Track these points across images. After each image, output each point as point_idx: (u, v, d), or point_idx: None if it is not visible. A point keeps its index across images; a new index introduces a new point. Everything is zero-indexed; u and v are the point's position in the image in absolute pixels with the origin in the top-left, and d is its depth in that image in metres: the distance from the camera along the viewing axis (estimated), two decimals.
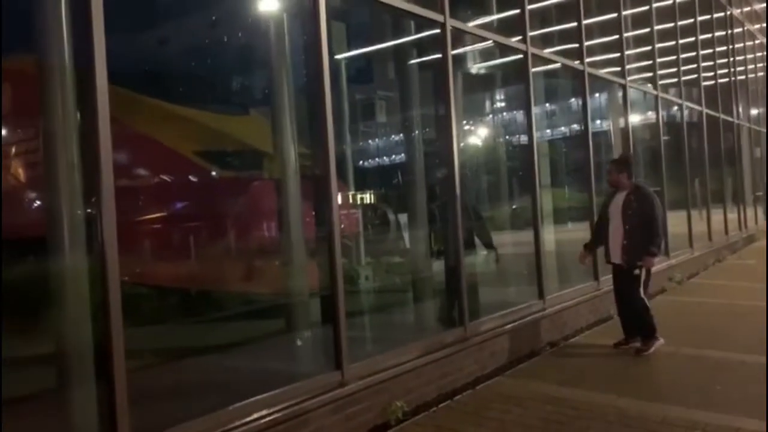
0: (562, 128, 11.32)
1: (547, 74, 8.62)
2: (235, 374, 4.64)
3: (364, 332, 5.93)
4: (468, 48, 7.84)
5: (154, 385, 4.28)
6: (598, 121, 11.06)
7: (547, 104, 10.66)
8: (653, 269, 6.19)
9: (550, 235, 8.83)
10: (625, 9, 10.06)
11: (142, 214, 7.45)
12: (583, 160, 8.40)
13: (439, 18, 5.51)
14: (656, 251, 5.93)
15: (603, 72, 9.19)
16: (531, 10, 7.06)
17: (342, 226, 7.71)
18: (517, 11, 6.99)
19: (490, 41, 6.82)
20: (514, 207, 9.25)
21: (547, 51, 7.81)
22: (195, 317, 6.66)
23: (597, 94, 11.00)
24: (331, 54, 8.47)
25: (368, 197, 11.40)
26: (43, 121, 3.19)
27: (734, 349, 5.91)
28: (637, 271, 5.94)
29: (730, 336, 6.56)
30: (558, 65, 8.23)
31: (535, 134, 7.00)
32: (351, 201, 8.13)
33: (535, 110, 7.00)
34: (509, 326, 6.02)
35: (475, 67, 9.27)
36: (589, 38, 8.63)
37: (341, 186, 8.11)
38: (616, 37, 9.69)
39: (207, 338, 5.81)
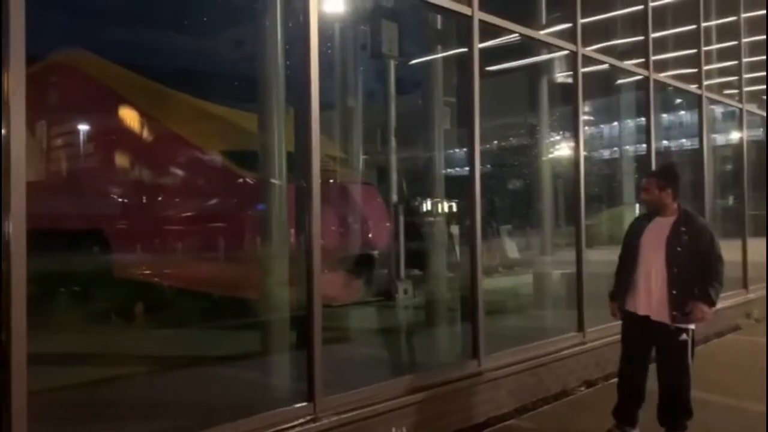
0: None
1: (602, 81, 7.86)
2: (203, 394, 4.24)
3: (366, 356, 5.41)
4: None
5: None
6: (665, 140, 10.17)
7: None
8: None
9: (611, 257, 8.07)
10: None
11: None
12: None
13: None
14: (715, 297, 4.04)
15: (669, 78, 8.24)
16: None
17: (370, 236, 7.38)
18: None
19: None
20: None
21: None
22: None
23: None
24: (378, 54, 8.12)
25: (417, 207, 10.82)
26: None
27: None
28: (684, 336, 4.09)
29: None
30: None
31: (582, 152, 6.26)
32: (384, 210, 7.61)
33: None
34: (536, 361, 5.34)
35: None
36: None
37: (371, 193, 7.67)
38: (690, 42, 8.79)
39: (204, 347, 5.51)
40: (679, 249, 4.08)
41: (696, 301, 4.02)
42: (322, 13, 4.02)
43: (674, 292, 4.05)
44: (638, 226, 4.40)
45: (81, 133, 8.03)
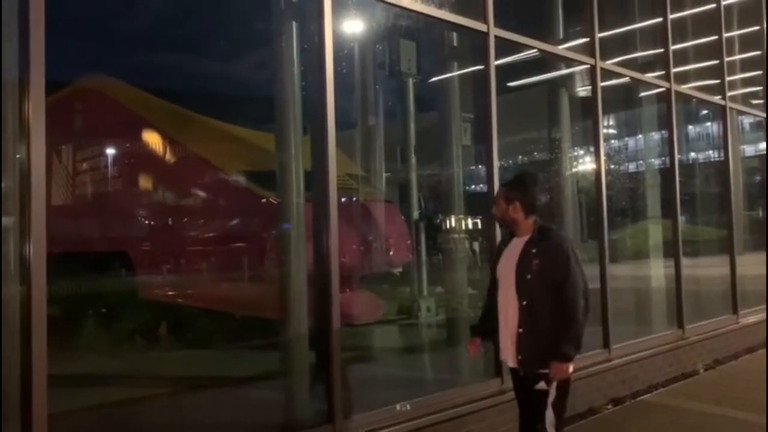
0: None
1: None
2: (225, 415, 4.24)
3: (387, 376, 5.37)
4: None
5: None
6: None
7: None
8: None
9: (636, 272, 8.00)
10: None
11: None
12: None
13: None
14: (572, 352, 3.19)
15: (691, 89, 8.12)
16: None
17: (391, 254, 7.35)
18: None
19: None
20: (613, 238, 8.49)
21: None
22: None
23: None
24: (396, 73, 8.17)
25: (439, 224, 10.82)
26: None
27: None
28: (542, 385, 3.22)
29: None
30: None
31: (603, 165, 6.23)
32: (405, 227, 7.59)
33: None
34: None
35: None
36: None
37: (392, 211, 7.66)
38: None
39: (226, 368, 5.52)
40: (528, 276, 3.26)
41: (552, 360, 3.17)
42: (338, 33, 4.07)
43: (521, 330, 3.25)
44: (499, 250, 3.59)
45: (107, 157, 8.18)
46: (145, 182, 8.07)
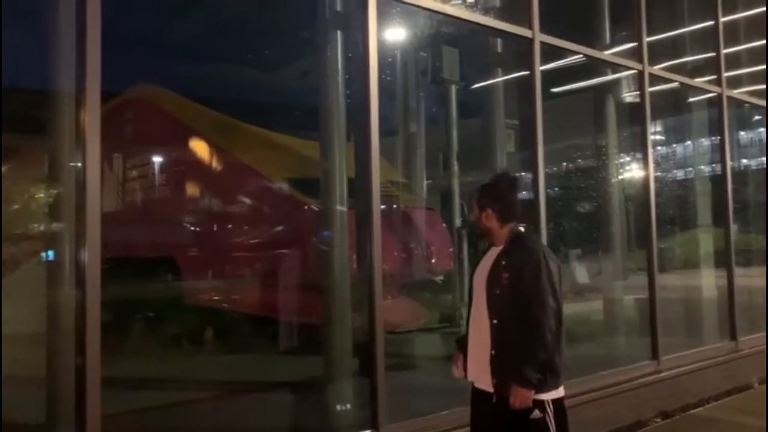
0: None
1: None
2: (270, 420, 4.28)
3: (429, 383, 5.33)
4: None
5: None
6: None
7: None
8: None
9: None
10: None
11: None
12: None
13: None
14: (533, 377, 2.76)
15: (744, 94, 7.89)
16: None
17: (432, 261, 7.33)
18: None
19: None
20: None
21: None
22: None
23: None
24: (439, 80, 8.15)
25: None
26: None
27: None
28: (536, 413, 2.79)
29: None
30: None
31: (652, 172, 6.09)
32: (446, 235, 7.55)
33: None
34: (607, 390, 5.14)
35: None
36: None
37: (434, 218, 7.64)
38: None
39: (270, 373, 5.57)
40: (497, 292, 2.90)
41: (513, 384, 2.78)
42: (382, 42, 4.09)
43: (493, 352, 2.89)
44: (478, 260, 3.19)
45: (155, 165, 8.37)
46: (191, 190, 8.24)
